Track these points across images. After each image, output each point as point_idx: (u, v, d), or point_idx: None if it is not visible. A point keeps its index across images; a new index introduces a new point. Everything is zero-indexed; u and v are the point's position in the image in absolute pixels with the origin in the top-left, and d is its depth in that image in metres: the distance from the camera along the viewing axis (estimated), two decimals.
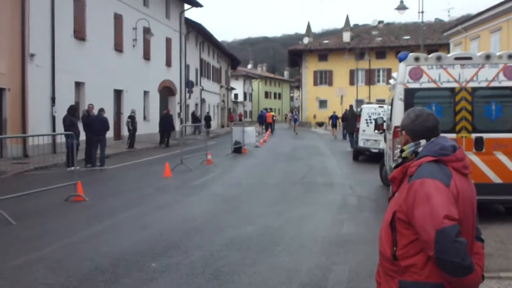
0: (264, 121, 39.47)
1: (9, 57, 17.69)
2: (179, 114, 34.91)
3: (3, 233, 7.17)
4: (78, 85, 22.06)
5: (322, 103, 58.34)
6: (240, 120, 62.62)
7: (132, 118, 23.36)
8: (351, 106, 26.03)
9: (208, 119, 38.80)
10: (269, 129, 38.87)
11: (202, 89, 43.29)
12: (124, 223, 7.81)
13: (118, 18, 25.41)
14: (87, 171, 14.94)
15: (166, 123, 25.59)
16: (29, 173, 14.23)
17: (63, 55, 20.29)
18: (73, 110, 15.46)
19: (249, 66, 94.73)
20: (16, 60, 17.98)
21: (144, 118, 29.23)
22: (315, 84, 57.85)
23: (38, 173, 14.34)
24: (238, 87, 74.55)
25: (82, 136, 16.19)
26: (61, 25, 20.17)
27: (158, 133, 26.86)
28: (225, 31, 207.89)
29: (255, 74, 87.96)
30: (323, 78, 58.06)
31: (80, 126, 16.09)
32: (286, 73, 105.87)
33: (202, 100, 44.35)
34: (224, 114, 57.05)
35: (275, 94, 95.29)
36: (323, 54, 57.48)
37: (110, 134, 20.40)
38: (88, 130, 15.86)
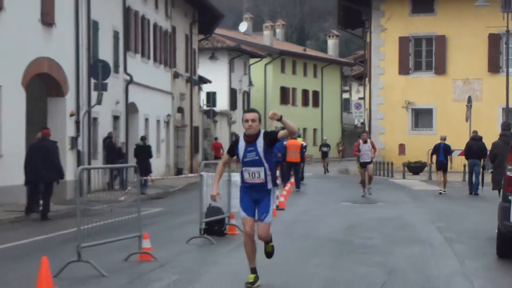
0: (283, 159, 39.56)
1: None
2: (73, 142, 35.01)
3: None
4: None
5: (422, 117, 58.53)
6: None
7: None
8: (506, 126, 26.03)
9: (144, 153, 38.95)
10: (292, 178, 38.89)
11: (130, 82, 43.55)
12: None
13: None
14: None
15: (42, 162, 25.82)
16: None
17: None
18: None
19: (243, 27, 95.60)
20: None
21: None
22: (404, 70, 58.18)
23: None
24: (218, 77, 75.14)
25: None
26: None
27: (23, 186, 27.02)
28: None
29: (259, 46, 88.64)
30: (423, 55, 58.45)
31: None
32: (332, 44, 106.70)
33: (131, 108, 44.51)
34: (183, 142, 57.35)
35: (305, 94, 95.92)
36: None
37: None
38: None
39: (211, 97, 74.34)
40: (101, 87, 35.02)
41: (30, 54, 31.90)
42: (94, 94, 36.02)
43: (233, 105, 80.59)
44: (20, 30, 30.85)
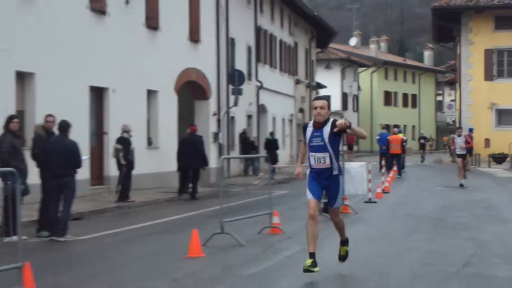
0: (387, 151, 39.39)
1: None
2: (216, 136, 35.45)
3: None
4: (22, 78, 23.05)
5: (504, 116, 57.48)
6: (350, 148, 62.89)
7: (125, 143, 24.12)
8: None
9: (272, 146, 39.18)
10: (394, 167, 38.65)
11: (261, 87, 43.83)
12: None
13: None
14: (42, 245, 15.37)
15: (191, 153, 26.31)
16: None
17: None
18: (14, 125, 16.15)
19: (353, 41, 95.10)
20: None
21: (149, 143, 30.11)
22: (489, 77, 57.18)
23: None
24: (332, 83, 75.00)
25: (34, 177, 16.75)
26: None
27: (176, 172, 27.58)
28: None
29: (366, 57, 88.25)
30: (504, 64, 57.34)
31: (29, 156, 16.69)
32: (427, 55, 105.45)
33: (261, 109, 44.80)
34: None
35: (405, 97, 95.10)
36: (504, 16, 56.87)
37: (82, 173, 20.91)
38: (44, 164, 16.46)
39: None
40: (237, 92, 35.37)
41: (181, 65, 32.40)
42: (231, 98, 36.37)
43: (344, 106, 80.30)
44: (172, 46, 31.33)
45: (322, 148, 11.43)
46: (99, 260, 13.83)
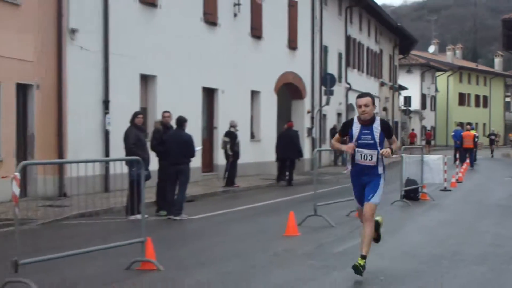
0: (460, 146, 38.85)
1: (39, 34, 19.20)
2: (309, 131, 35.41)
3: None
4: (146, 80, 23.51)
5: None
6: (428, 143, 62.34)
7: (232, 136, 24.23)
8: None
9: None
10: (467, 160, 38.05)
11: (349, 89, 43.60)
12: None
13: None
14: (161, 223, 15.73)
15: (288, 145, 26.37)
16: (69, 223, 15.26)
17: (121, 32, 21.84)
18: (139, 120, 16.48)
19: (431, 49, 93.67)
20: (48, 39, 19.50)
21: (252, 136, 30.28)
22: None
23: (83, 222, 15.33)
24: (412, 85, 74.20)
25: (154, 164, 17.10)
26: None
27: (274, 162, 27.64)
28: None
29: (443, 63, 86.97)
30: None
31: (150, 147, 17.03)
32: (497, 61, 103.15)
33: (349, 107, 44.61)
34: None
35: (477, 98, 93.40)
36: None
37: (195, 162, 21.23)
38: (162, 154, 16.77)
39: (407, 100, 73.27)
40: (329, 93, 35.26)
41: (280, 69, 32.50)
42: (323, 98, 36.31)
43: (423, 105, 79.38)
44: (273, 52, 31.46)
45: (371, 146, 9.79)
46: (210, 236, 13.98)
